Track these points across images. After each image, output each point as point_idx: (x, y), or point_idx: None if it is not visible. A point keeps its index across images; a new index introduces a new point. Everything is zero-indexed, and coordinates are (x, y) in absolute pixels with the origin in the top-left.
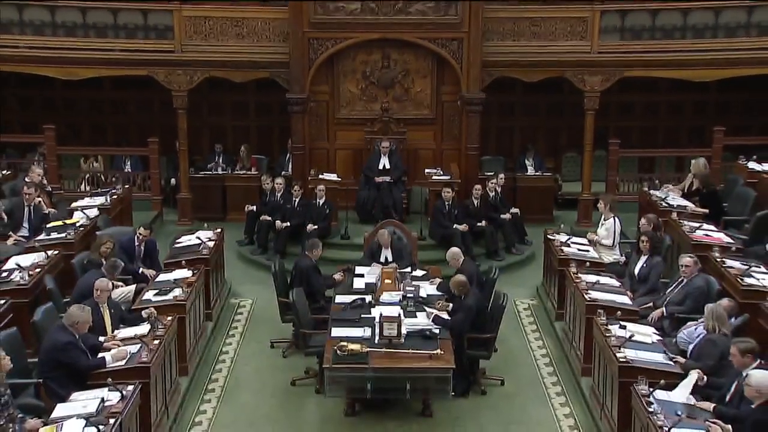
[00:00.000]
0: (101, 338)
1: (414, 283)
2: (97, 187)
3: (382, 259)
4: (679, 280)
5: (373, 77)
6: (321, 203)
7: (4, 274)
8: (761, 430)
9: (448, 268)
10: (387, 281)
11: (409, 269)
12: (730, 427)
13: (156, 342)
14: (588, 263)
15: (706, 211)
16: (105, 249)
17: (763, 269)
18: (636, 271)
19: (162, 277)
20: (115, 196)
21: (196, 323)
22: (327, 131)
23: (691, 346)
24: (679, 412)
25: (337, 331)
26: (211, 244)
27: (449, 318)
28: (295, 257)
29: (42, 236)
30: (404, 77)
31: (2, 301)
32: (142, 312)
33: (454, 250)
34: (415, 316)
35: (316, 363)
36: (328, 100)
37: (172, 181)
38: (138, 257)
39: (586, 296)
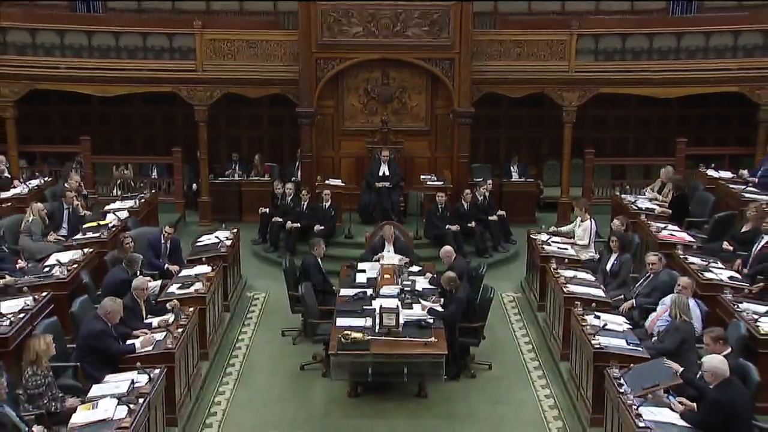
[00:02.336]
0: (147, 321)
1: (410, 277)
2: (127, 191)
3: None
4: (647, 275)
5: (374, 93)
6: (327, 206)
7: (46, 270)
8: (718, 406)
9: (441, 264)
10: (386, 276)
11: (406, 264)
12: (694, 405)
13: (179, 330)
14: (566, 260)
15: (669, 211)
16: (127, 245)
17: (720, 265)
18: (608, 267)
19: (185, 272)
20: (143, 200)
21: (215, 314)
22: (332, 141)
23: (656, 330)
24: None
25: (341, 321)
26: (228, 242)
27: (443, 310)
28: (304, 255)
29: (79, 236)
30: (402, 93)
31: (44, 294)
32: (167, 304)
33: (447, 248)
34: (412, 308)
35: (322, 350)
36: (334, 114)
37: (194, 186)
38: (164, 254)
39: (564, 289)
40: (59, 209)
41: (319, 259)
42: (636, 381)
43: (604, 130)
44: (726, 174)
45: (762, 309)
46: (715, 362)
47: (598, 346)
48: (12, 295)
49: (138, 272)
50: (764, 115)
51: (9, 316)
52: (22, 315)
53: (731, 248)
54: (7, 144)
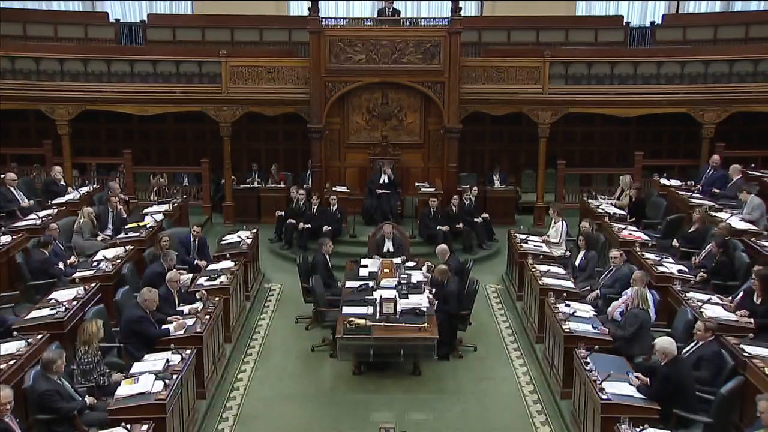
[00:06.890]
0: (180, 308)
1: (406, 271)
2: (162, 197)
3: (385, 250)
4: (610, 268)
5: (375, 111)
6: (334, 209)
7: (94, 264)
8: (668, 381)
9: (434, 260)
10: (386, 270)
11: (403, 260)
12: (647, 379)
13: (207, 317)
14: (541, 256)
15: (625, 213)
16: (164, 243)
17: (671, 260)
18: (577, 262)
19: (211, 266)
20: (176, 204)
21: (237, 302)
22: (339, 153)
23: (619, 317)
24: (611, 372)
25: (346, 309)
26: (249, 241)
27: (444, 305)
28: (315, 251)
29: (121, 235)
30: (399, 111)
31: (93, 285)
32: (197, 294)
33: (443, 246)
34: (408, 298)
35: (330, 334)
36: (340, 129)
37: (221, 182)
38: (193, 250)
39: (539, 282)
40: (105, 212)
41: (327, 257)
42: (600, 363)
43: (573, 144)
44: (676, 182)
45: (705, 297)
46: (666, 343)
47: (568, 330)
48: (66, 286)
49: (173, 266)
50: (706, 133)
51: (64, 303)
52: (74, 302)
53: (679, 245)
54: (62, 157)
